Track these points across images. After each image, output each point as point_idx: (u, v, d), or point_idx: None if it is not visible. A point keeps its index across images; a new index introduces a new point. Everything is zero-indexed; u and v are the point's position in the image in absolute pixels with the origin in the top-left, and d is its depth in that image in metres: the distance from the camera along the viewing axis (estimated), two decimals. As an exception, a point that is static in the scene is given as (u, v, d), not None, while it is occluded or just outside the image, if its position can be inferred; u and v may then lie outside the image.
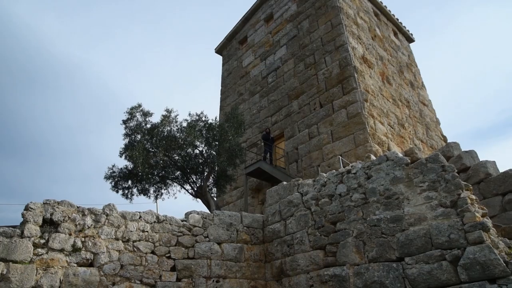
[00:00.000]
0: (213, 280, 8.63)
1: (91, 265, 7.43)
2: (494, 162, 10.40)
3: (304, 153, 14.18)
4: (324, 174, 9.12)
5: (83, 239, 7.47)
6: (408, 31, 22.11)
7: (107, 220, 7.92)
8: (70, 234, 7.34)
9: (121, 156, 12.41)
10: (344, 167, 9.54)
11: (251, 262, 9.40)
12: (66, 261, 7.12)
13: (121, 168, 12.79)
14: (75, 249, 7.29)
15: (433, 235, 6.43)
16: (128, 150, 12.10)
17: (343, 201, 8.15)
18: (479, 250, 5.78)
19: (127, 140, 12.64)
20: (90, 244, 7.48)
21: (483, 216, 6.39)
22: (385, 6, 20.36)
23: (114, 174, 12.73)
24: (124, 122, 12.77)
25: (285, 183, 10.09)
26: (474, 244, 5.91)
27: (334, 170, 9.17)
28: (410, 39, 22.35)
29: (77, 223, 7.49)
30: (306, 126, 14.53)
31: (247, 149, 15.93)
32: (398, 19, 21.41)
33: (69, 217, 7.44)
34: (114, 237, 7.87)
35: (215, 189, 14.25)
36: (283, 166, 14.88)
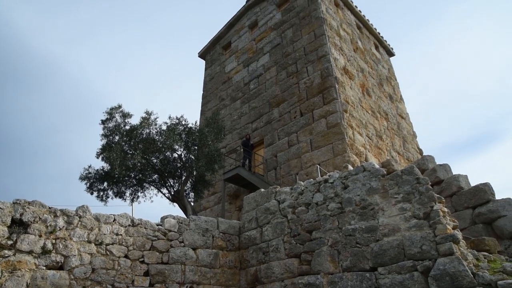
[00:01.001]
0: (187, 286, 8.53)
1: (61, 268, 7.23)
2: (466, 176, 10.70)
3: (283, 160, 14.25)
4: (302, 183, 9.18)
5: (54, 241, 7.26)
6: (389, 45, 22.63)
7: (80, 222, 7.74)
8: (40, 236, 7.13)
9: (98, 157, 12.18)
10: (322, 176, 9.62)
11: (226, 269, 9.34)
12: (35, 263, 6.90)
13: (97, 170, 12.55)
14: (45, 251, 7.09)
15: (406, 246, 6.55)
16: (105, 151, 11.88)
17: (320, 210, 8.21)
18: (449, 262, 5.93)
19: (105, 141, 12.42)
20: (61, 247, 7.28)
21: (454, 228, 6.56)
22: (367, 20, 20.80)
23: (89, 175, 12.46)
24: (103, 122, 12.54)
25: (262, 190, 10.10)
26: (444, 256, 6.05)
27: (311, 179, 9.25)
28: (390, 53, 22.87)
29: (48, 224, 7.28)
30: (286, 134, 14.62)
31: (226, 154, 15.89)
32: (379, 33, 21.89)
33: (40, 218, 7.23)
34: (86, 239, 7.69)
35: (193, 194, 14.14)
36: (262, 173, 14.90)
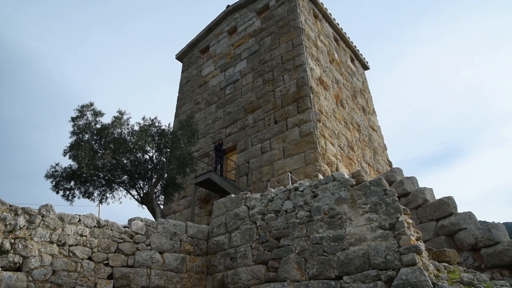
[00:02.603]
0: (151, 291, 8.36)
1: (19, 269, 6.94)
2: (431, 189, 11.06)
3: (255, 167, 14.28)
4: (272, 190, 9.23)
5: (12, 240, 6.97)
6: (364, 59, 23.19)
7: (42, 222, 7.47)
8: (-2, 234, 6.83)
9: (65, 155, 11.82)
10: (293, 184, 9.70)
11: (192, 274, 9.23)
12: (-9, 263, 6.60)
13: (64, 168, 12.18)
14: (2, 251, 6.78)
15: (371, 255, 6.68)
16: (73, 149, 11.55)
17: (289, 217, 8.27)
18: (411, 272, 6.08)
19: (73, 139, 12.08)
20: (20, 247, 7.00)
21: (417, 239, 6.75)
22: (345, 32, 21.26)
23: (56, 173, 12.07)
24: (73, 119, 12.20)
25: (233, 195, 10.08)
26: (407, 266, 6.21)
27: (282, 186, 9.31)
28: (365, 67, 23.43)
29: (7, 222, 6.99)
30: (259, 141, 14.68)
31: (199, 158, 15.79)
32: (356, 47, 22.41)
33: (-1, 216, 6.93)
34: (48, 240, 7.43)
35: (163, 196, 13.93)
36: (234, 178, 14.87)
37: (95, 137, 12.13)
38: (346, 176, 7.98)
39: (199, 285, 9.24)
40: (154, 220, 9.63)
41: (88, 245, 7.94)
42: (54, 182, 12.03)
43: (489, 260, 8.12)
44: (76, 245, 7.77)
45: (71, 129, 12.11)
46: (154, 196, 12.77)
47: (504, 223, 8.98)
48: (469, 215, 9.37)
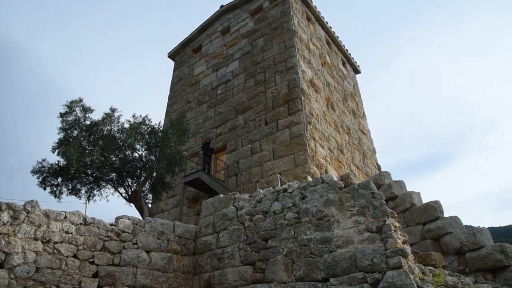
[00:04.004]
0: (137, 290, 8.28)
1: (1, 266, 6.82)
2: (419, 193, 11.18)
3: (244, 168, 14.26)
4: (261, 191, 9.22)
5: (-4, 236, 6.85)
6: (356, 62, 23.34)
7: (27, 218, 7.36)
8: (-19, 230, 6.71)
9: (53, 152, 11.68)
10: (281, 185, 9.71)
11: (179, 274, 9.18)
12: (-28, 259, 6.47)
13: (52, 164, 12.02)
14: (-15, 247, 6.67)
15: (358, 258, 6.72)
16: (62, 146, 11.42)
17: (277, 218, 8.27)
18: (397, 275, 6.13)
19: (62, 135, 11.94)
20: (3, 243, 6.89)
21: (403, 242, 6.80)
22: (337, 36, 21.38)
23: (43, 169, 11.92)
24: (62, 115, 12.06)
25: (221, 195, 10.05)
26: (393, 269, 6.25)
27: (271, 188, 9.31)
28: (356, 71, 23.59)
29: (-9, 218, 6.87)
30: (250, 142, 14.67)
31: (188, 158, 15.71)
32: (347, 50, 22.55)
33: (-18, 211, 6.81)
34: (33, 236, 7.32)
35: (151, 195, 13.84)
36: (223, 178, 14.84)
37: (84, 134, 12.00)
38: (335, 179, 8.01)
39: (186, 285, 9.18)
40: (141, 218, 9.55)
41: (73, 242, 7.84)
42: (41, 178, 11.88)
43: (474, 264, 8.22)
44: (61, 242, 7.67)
45: (60, 125, 11.98)
46: (142, 195, 12.68)
47: (489, 228, 9.10)
48: (455, 220, 9.49)
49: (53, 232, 7.62)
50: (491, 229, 10.23)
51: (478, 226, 9.17)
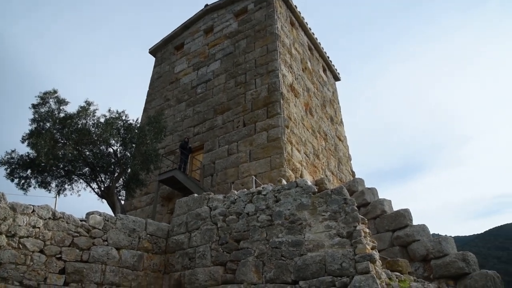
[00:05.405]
0: (105, 287, 8.15)
1: (-38, 258, 6.60)
2: (390, 201, 11.45)
3: (220, 168, 14.25)
4: (236, 192, 9.25)
5: (-42, 228, 6.61)
6: (336, 70, 23.69)
7: (-8, 210, 7.13)
8: None
9: (23, 142, 11.34)
10: (256, 187, 9.77)
11: (149, 272, 9.08)
12: None
13: (21, 155, 11.67)
14: None
15: (328, 262, 6.83)
16: (33, 137, 11.10)
17: (250, 220, 8.31)
18: (364, 280, 6.27)
19: (34, 126, 11.62)
20: (-34, 235, 6.65)
21: (372, 248, 6.97)
22: (319, 43, 21.65)
23: (12, 160, 11.54)
24: (34, 106, 11.73)
25: (196, 195, 10.02)
26: (361, 274, 6.40)
27: (245, 189, 9.35)
28: (336, 78, 23.94)
29: (-46, 209, 6.62)
30: (227, 142, 14.67)
31: (164, 156, 15.57)
32: (329, 57, 22.86)
33: None
34: (-3, 230, 7.09)
35: (124, 192, 13.62)
36: (198, 178, 14.77)
37: (57, 126, 11.72)
38: (309, 183, 8.13)
39: (156, 284, 9.10)
40: (113, 215, 9.41)
41: (40, 237, 7.65)
42: (9, 170, 11.51)
43: (438, 271, 8.50)
44: (27, 236, 7.48)
45: (32, 116, 11.65)
46: (115, 191, 12.47)
47: (454, 237, 9.44)
48: (423, 228, 9.77)
49: (19, 226, 7.41)
50: (457, 238, 10.62)
51: (445, 235, 9.49)
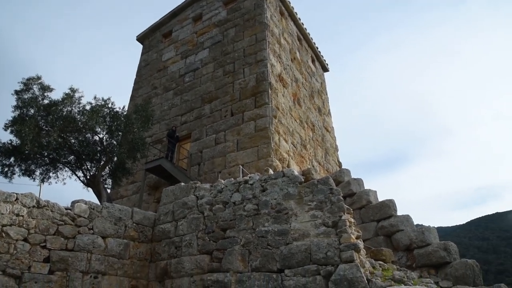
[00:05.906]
0: (91, 276, 8.14)
1: None
2: (375, 192, 11.59)
3: (208, 157, 14.23)
4: (222, 181, 9.26)
5: None
6: (325, 61, 23.71)
7: (-26, 198, 7.01)
8: None
9: (6, 130, 11.13)
10: (243, 177, 9.79)
11: (135, 260, 9.08)
12: None
13: (4, 143, 11.46)
14: None
15: (313, 251, 6.93)
16: (16, 124, 10.90)
17: (236, 209, 8.35)
18: (348, 268, 6.39)
19: (17, 113, 11.40)
20: None
21: (357, 238, 7.08)
22: (308, 33, 21.59)
23: (-6, 148, 11.34)
24: (17, 92, 11.49)
25: (182, 184, 10.01)
26: (345, 262, 6.51)
27: (232, 179, 9.37)
28: (325, 69, 23.96)
29: None
30: (214, 132, 14.63)
31: (151, 144, 15.46)
32: (318, 48, 22.85)
33: None
34: (-20, 218, 6.99)
35: (110, 180, 13.52)
36: (186, 167, 14.73)
37: (42, 113, 11.51)
38: (296, 173, 8.18)
39: (142, 272, 9.11)
40: (99, 204, 9.34)
41: (24, 225, 7.57)
42: (-9, 157, 11.32)
43: (420, 260, 8.68)
44: (10, 225, 7.38)
45: (15, 103, 11.42)
46: (101, 179, 12.37)
47: (437, 227, 9.63)
48: (407, 218, 9.93)
49: (2, 214, 7.31)
50: (440, 229, 10.84)
51: (428, 225, 9.67)
